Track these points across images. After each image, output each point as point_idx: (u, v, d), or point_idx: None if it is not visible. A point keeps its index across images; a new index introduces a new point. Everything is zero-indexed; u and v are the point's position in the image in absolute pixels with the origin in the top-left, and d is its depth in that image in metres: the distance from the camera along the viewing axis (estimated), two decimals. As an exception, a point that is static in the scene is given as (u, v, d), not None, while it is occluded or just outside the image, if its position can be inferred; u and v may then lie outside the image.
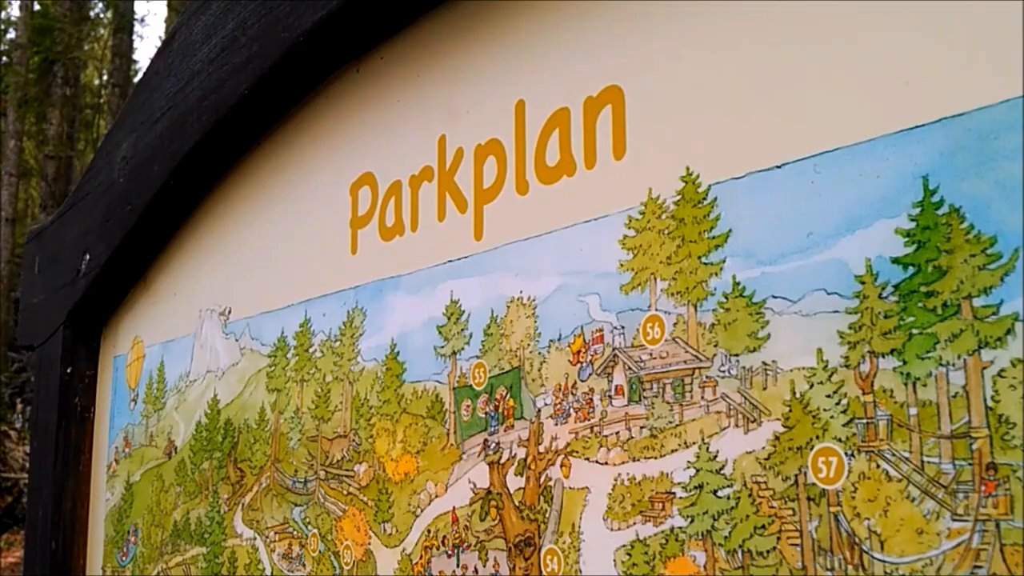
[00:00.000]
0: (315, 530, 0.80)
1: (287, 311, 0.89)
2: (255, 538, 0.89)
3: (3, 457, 14.92)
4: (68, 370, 1.31)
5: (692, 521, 0.50)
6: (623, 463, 0.55)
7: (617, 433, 0.56)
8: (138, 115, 1.20)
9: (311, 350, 0.85)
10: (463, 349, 0.68)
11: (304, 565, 0.81)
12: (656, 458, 0.53)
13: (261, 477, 0.89)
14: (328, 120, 0.88)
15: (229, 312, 0.99)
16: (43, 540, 1.29)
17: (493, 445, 0.64)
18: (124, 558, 1.15)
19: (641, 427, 0.54)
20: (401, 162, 0.77)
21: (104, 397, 1.28)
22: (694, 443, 0.51)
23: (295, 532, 0.83)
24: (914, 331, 0.42)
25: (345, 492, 0.77)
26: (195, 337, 1.05)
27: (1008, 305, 0.39)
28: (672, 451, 0.52)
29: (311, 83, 0.90)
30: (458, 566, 0.65)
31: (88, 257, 1.27)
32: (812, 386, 0.46)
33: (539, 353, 0.62)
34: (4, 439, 15.76)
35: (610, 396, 0.56)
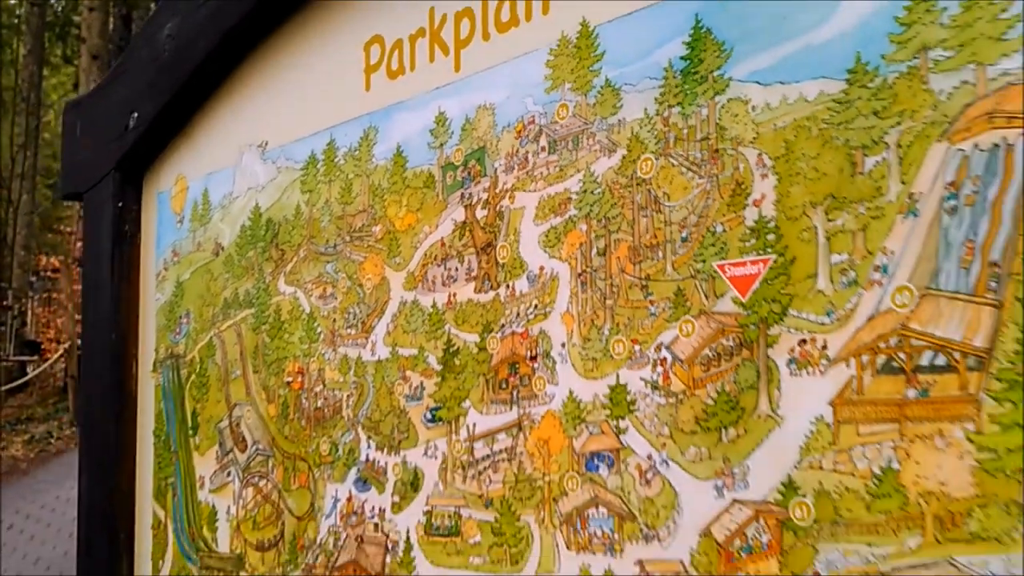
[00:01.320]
0: (343, 274, 1.20)
1: (315, 136, 1.27)
2: (296, 291, 1.28)
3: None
4: (119, 204, 1.66)
5: (580, 210, 0.92)
6: (544, 189, 0.96)
7: (541, 173, 0.97)
8: (180, 1, 1.53)
9: (336, 160, 1.23)
10: (447, 141, 1.08)
11: (336, 298, 1.21)
12: (562, 181, 0.94)
13: (299, 251, 1.28)
14: None
15: (266, 144, 1.37)
16: (103, 335, 1.65)
17: (467, 195, 1.05)
18: (177, 336, 1.53)
19: (555, 167, 0.96)
20: (402, 26, 1.15)
21: (149, 225, 1.64)
22: (582, 169, 0.93)
23: (328, 279, 1.23)
24: (687, 90, 0.84)
25: (366, 245, 1.17)
26: (236, 167, 1.42)
27: (727, 75, 0.81)
28: (571, 176, 0.94)
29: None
30: (444, 269, 1.06)
31: (136, 115, 1.61)
32: (642, 128, 0.87)
33: (496, 136, 1.02)
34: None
35: (538, 154, 0.97)
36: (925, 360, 0.66)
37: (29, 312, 21.37)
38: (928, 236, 0.66)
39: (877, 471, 0.68)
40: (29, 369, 18.15)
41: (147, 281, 1.61)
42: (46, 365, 15.84)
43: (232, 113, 1.44)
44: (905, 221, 0.68)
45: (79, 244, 17.28)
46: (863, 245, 0.70)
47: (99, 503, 1.59)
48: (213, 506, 1.39)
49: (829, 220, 0.72)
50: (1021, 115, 0.63)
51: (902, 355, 0.67)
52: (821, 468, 0.71)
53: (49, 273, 18.48)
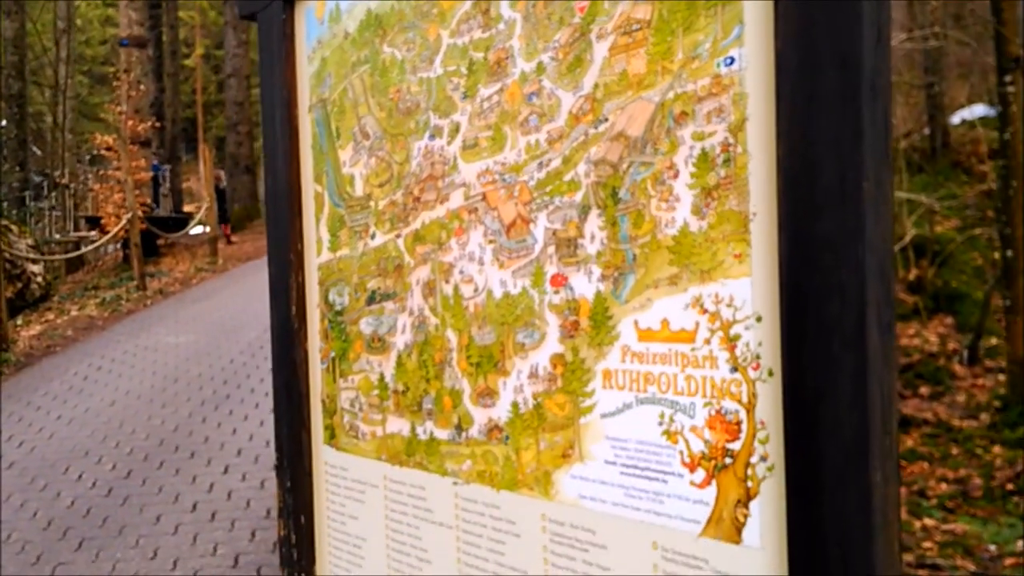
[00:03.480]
0: (418, 36, 2.50)
1: None
2: (392, 51, 2.58)
3: (8, 248, 16.54)
4: (282, 17, 2.97)
5: None
6: None
7: None
8: None
9: None
10: (467, -37, 2.36)
11: (414, 50, 2.52)
12: None
13: (393, 28, 2.58)
14: None
15: None
16: (275, 94, 2.99)
17: None
18: (324, 88, 2.86)
19: (514, -29, 2.23)
20: (444, -94, 2.41)
21: (301, 28, 2.94)
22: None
23: (409, 40, 2.53)
24: None
25: (429, 19, 2.46)
26: None
27: (579, -75, 2.06)
28: None
29: None
30: (467, 25, 2.36)
31: (291, -38, 2.90)
32: None
33: (489, -41, 2.30)
34: (7, 232, 17.34)
35: (507, -35, 2.25)
36: (634, 27, 1.96)
37: (75, 191, 23.32)
38: None
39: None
40: (83, 246, 20.12)
41: (301, 61, 2.94)
42: (107, 239, 17.62)
43: (351, -43, 2.73)
44: None
45: (130, 123, 18.83)
46: (618, -12, 1.99)
47: (281, 187, 2.97)
48: (352, 175, 2.76)
49: (608, -20, 2.01)
50: (662, -64, 1.90)
51: (628, 27, 1.97)
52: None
53: (103, 151, 20.15)
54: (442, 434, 2.45)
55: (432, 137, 2.46)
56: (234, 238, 24.28)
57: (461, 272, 2.39)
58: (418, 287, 2.53)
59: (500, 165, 2.27)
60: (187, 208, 28.35)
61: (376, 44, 2.64)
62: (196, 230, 21.62)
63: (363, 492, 2.73)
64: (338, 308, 2.81)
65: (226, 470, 7.85)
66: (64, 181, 23.52)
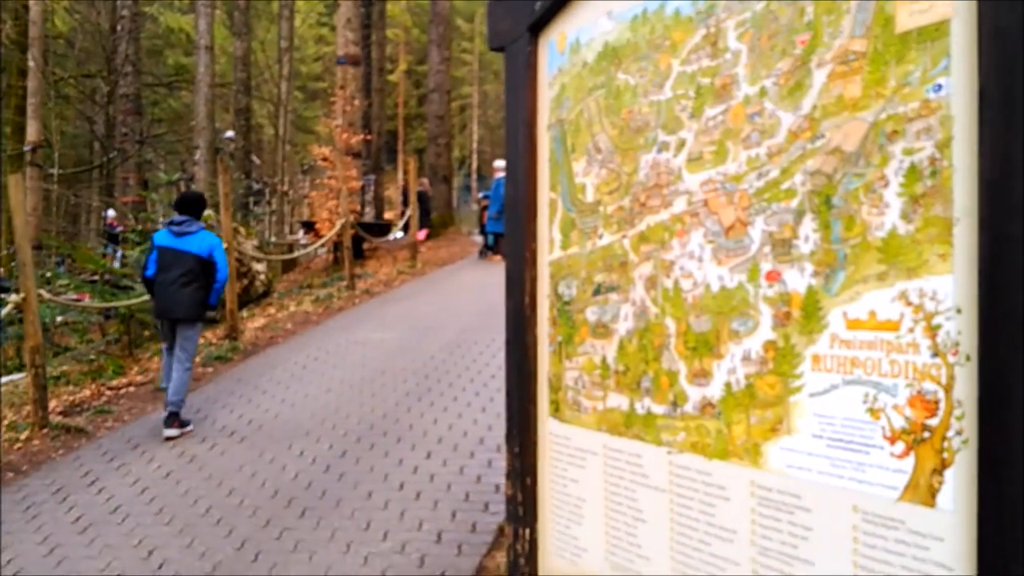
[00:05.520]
0: (650, 65, 2.89)
1: (637, 4, 2.97)
2: (627, 77, 3.00)
3: (238, 248, 18.33)
4: (528, 49, 3.46)
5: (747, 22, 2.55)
6: (736, 16, 2.59)
7: (733, 9, 2.60)
8: (562, -58, 3.25)
9: (648, 15, 2.92)
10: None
11: (645, 76, 2.92)
12: (743, 12, 2.57)
13: (628, 59, 2.99)
14: (651, -59, 2.91)
15: (612, 11, 3.08)
16: (519, 113, 3.48)
17: (707, 23, 2.70)
18: (562, 111, 3.32)
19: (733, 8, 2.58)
20: (679, -47, 2.80)
21: (544, 59, 3.42)
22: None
23: (641, 68, 2.93)
24: (789, -24, 2.43)
25: (662, 51, 2.86)
26: (594, 23, 3.15)
27: (802, -31, 2.39)
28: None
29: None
30: (696, 55, 2.74)
31: (539, 2, 3.38)
32: (773, -10, 2.48)
33: (718, -2, 2.66)
34: (235, 234, 19.22)
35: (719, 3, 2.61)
36: (850, 57, 2.27)
37: (291, 198, 25.57)
38: (853, 19, 2.26)
39: (836, 95, 2.30)
40: (296, 249, 22.04)
41: (543, 86, 3.41)
42: (322, 242, 19.19)
43: (591, -3, 3.17)
44: (848, 15, 2.27)
45: (344, 136, 20.48)
46: (836, 24, 2.30)
47: (520, 194, 3.46)
48: (584, 184, 3.20)
49: None
50: (879, -22, 2.19)
51: (845, 57, 2.28)
52: (822, 98, 2.34)
53: (319, 161, 21.99)
54: (659, 409, 2.83)
55: (660, 151, 2.86)
56: (428, 244, 25.77)
57: (681, 268, 2.76)
58: (641, 281, 2.92)
59: (722, 175, 2.62)
60: (387, 215, 30.30)
61: (611, 72, 3.06)
62: (398, 235, 23.16)
63: (584, 459, 3.16)
64: (566, 299, 3.26)
65: (428, 455, 8.46)
66: (283, 188, 25.89)
